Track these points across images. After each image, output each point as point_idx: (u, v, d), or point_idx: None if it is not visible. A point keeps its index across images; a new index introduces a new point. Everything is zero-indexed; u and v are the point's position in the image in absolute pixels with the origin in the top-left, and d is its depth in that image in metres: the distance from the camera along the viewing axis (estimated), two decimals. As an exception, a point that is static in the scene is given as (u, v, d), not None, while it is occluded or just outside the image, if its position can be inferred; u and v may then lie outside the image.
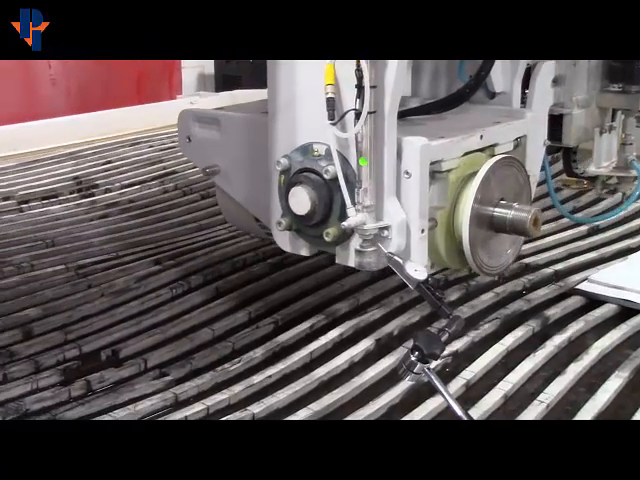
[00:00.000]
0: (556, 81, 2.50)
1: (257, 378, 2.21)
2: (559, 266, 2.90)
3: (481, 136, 2.19)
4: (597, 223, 3.26)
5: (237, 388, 2.17)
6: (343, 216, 1.98)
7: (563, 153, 2.70)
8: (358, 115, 1.91)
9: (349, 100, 1.92)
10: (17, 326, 2.47)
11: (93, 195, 3.73)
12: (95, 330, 2.48)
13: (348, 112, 1.92)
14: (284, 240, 2.19)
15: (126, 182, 3.90)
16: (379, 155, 1.97)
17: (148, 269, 2.87)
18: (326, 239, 2.02)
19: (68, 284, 2.76)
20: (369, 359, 2.34)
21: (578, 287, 2.72)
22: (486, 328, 2.47)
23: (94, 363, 2.32)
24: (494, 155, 2.21)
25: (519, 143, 2.33)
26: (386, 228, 2.01)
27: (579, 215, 3.39)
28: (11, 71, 4.42)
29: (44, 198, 3.66)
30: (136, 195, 3.72)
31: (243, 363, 2.30)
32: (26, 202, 3.60)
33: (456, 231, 2.12)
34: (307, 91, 2.02)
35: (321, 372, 2.25)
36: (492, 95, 2.44)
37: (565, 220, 3.34)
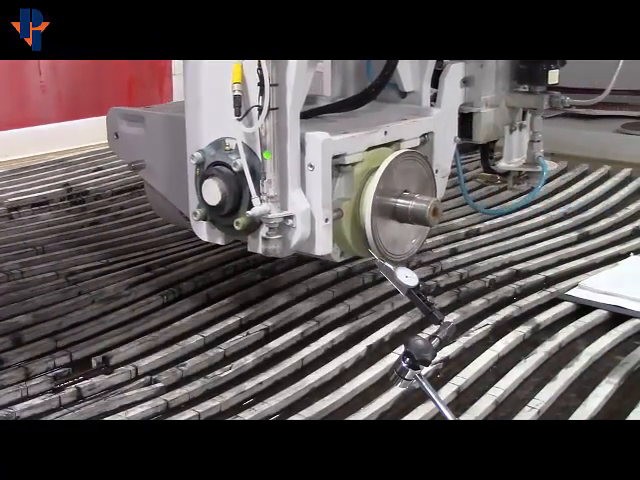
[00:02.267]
0: (466, 81, 2.65)
1: (248, 385, 2.21)
2: (549, 272, 2.91)
3: (385, 132, 2.33)
4: (508, 214, 3.39)
5: (228, 395, 2.16)
6: (252, 206, 2.12)
7: (480, 150, 2.85)
8: (261, 111, 2.05)
9: (254, 97, 2.07)
10: (7, 333, 2.46)
11: (83, 202, 3.72)
12: (85, 337, 2.47)
13: (252, 108, 2.08)
14: (201, 230, 2.33)
15: (117, 189, 3.89)
16: (283, 149, 2.12)
17: (139, 276, 2.87)
18: (236, 228, 2.16)
19: (58, 291, 2.76)
20: (360, 365, 2.34)
21: (568, 293, 2.73)
22: (477, 334, 2.48)
23: (85, 370, 2.31)
24: (399, 150, 2.34)
25: (426, 139, 2.47)
26: (290, 217, 2.16)
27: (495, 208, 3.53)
28: (1, 79, 4.41)
29: (34, 205, 3.65)
30: (126, 202, 3.72)
31: (234, 370, 2.29)
32: (16, 209, 3.58)
33: (360, 221, 2.27)
34: (218, 89, 2.15)
35: (312, 378, 2.25)
36: (403, 94, 2.59)
37: (556, 227, 3.37)
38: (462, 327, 2.50)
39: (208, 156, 2.21)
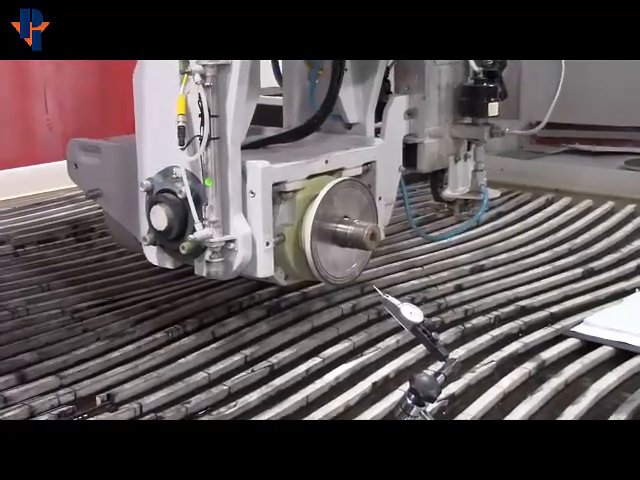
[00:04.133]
0: (410, 114, 2.78)
1: (253, 422, 2.20)
2: (555, 308, 2.91)
3: (326, 161, 2.47)
4: (448, 239, 3.46)
5: (233, 432, 2.15)
6: (195, 231, 2.24)
7: (430, 179, 2.97)
8: (202, 141, 2.17)
9: (197, 128, 2.20)
10: (12, 371, 2.46)
11: (89, 239, 3.73)
12: (90, 374, 2.46)
13: (193, 138, 2.21)
14: (151, 254, 2.46)
15: (122, 226, 3.90)
16: (224, 176, 2.24)
17: (143, 313, 2.87)
18: (182, 252, 2.25)
19: (63, 328, 2.76)
20: (365, 402, 2.33)
21: (574, 329, 2.72)
22: (482, 371, 2.47)
23: (89, 408, 2.30)
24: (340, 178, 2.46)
25: (369, 168, 2.59)
26: (232, 241, 2.27)
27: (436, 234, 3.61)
28: (9, 116, 4.45)
29: (40, 242, 3.66)
30: (132, 239, 3.72)
31: (239, 407, 2.28)
32: (22, 246, 3.59)
33: (302, 245, 2.37)
34: (165, 121, 2.25)
35: (317, 416, 2.24)
36: (349, 126, 2.72)
37: (560, 262, 3.37)
38: (467, 364, 2.49)
39: (156, 184, 2.34)
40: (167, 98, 2.24)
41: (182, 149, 2.20)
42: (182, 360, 2.54)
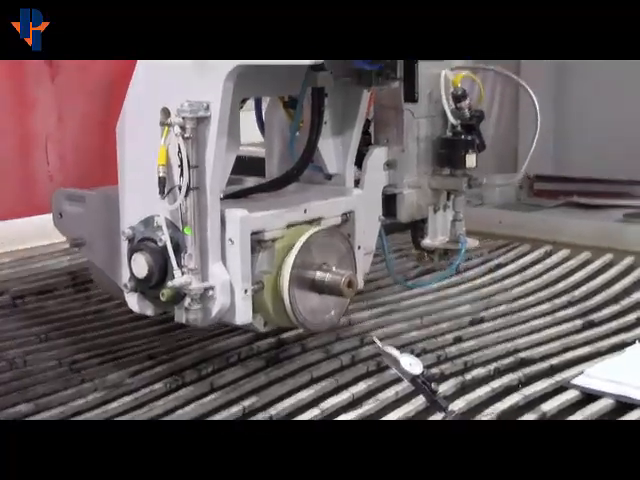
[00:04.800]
0: (390, 165, 2.85)
1: (251, 474, 2.18)
2: (554, 360, 2.89)
3: (305, 210, 2.53)
4: (427, 285, 3.54)
5: (231, 485, 2.13)
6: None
7: (411, 229, 3.02)
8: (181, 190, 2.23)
9: (177, 178, 2.27)
10: (8, 422, 2.44)
11: (88, 290, 3.72)
12: (87, 426, 2.45)
13: (173, 188, 2.27)
14: (132, 301, 2.50)
15: (121, 277, 3.90)
16: (203, 225, 2.30)
17: (142, 364, 2.85)
18: (162, 299, 2.30)
19: (61, 379, 2.74)
20: (365, 455, 2.31)
21: (574, 381, 2.70)
22: (482, 423, 2.45)
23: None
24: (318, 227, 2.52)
25: (348, 218, 2.66)
26: (211, 288, 2.32)
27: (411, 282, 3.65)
28: (9, 167, 4.47)
29: (39, 293, 3.66)
30: (131, 290, 3.72)
31: (237, 459, 2.26)
32: (21, 297, 3.59)
33: (280, 292, 2.41)
34: (147, 171, 2.31)
35: (316, 468, 2.21)
36: (329, 177, 2.78)
37: (560, 314, 3.36)
38: (467, 415, 2.47)
39: (138, 232, 2.40)
40: (148, 149, 2.30)
41: (162, 198, 2.27)
42: (180, 411, 2.53)
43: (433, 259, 3.06)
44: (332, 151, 2.76)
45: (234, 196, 2.56)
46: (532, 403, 2.58)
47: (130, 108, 2.43)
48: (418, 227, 3.00)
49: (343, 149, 2.78)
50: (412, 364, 2.03)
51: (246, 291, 2.38)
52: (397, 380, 2.57)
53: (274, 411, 2.52)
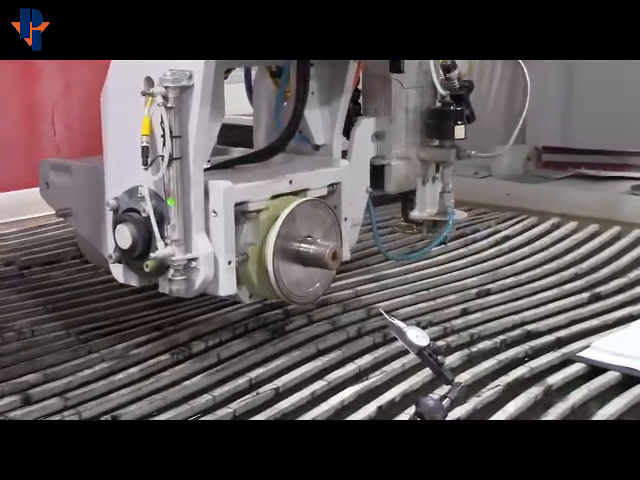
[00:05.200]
0: (378, 136, 2.84)
1: (257, 445, 2.19)
2: (561, 333, 2.89)
3: (290, 181, 2.50)
4: (414, 260, 3.51)
5: (237, 455, 2.14)
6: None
7: (401, 200, 3.01)
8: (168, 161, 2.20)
9: (160, 148, 2.23)
10: (16, 392, 2.45)
11: (95, 261, 3.73)
12: (95, 396, 2.46)
13: (156, 158, 2.23)
14: (118, 272, 2.48)
15: (128, 248, 3.90)
16: (186, 196, 2.27)
17: (149, 335, 2.86)
18: (146, 270, 2.29)
19: (69, 350, 2.75)
20: (371, 426, 2.31)
21: (580, 354, 2.70)
22: (488, 395, 2.45)
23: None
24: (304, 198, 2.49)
25: (334, 189, 2.62)
26: (194, 259, 2.29)
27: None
28: (16, 137, 4.47)
29: (46, 263, 3.67)
30: (138, 261, 3.72)
31: (243, 430, 2.27)
32: (28, 267, 3.60)
33: (264, 264, 2.38)
34: (131, 141, 2.27)
35: (322, 439, 2.22)
36: (316, 147, 2.75)
37: (567, 287, 3.36)
38: (473, 388, 2.47)
39: (122, 203, 2.36)
40: (132, 119, 2.26)
41: (145, 169, 2.24)
42: (187, 382, 2.54)
43: (421, 231, 3.05)
44: (319, 122, 2.73)
45: (220, 167, 2.53)
46: (538, 376, 2.59)
47: (114, 77, 2.38)
48: (408, 199, 2.99)
49: (331, 120, 2.74)
50: (418, 336, 2.02)
51: (230, 262, 2.34)
52: (403, 352, 2.58)
53: (280, 382, 2.53)
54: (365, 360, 2.68)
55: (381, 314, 2.36)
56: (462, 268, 3.57)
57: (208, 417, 2.34)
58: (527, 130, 4.95)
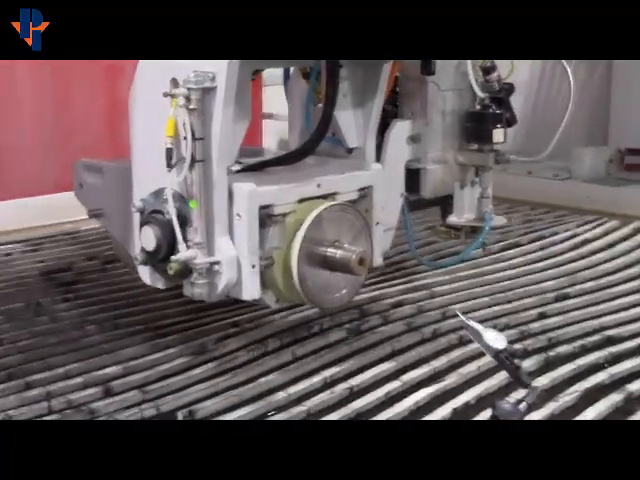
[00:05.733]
0: (414, 139, 2.77)
1: (331, 444, 2.20)
2: (643, 339, 2.83)
3: (318, 185, 2.45)
4: (449, 266, 3.41)
5: (311, 453, 2.15)
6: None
7: (441, 206, 2.94)
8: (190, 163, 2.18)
9: (184, 150, 2.20)
10: (98, 384, 2.52)
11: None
12: (172, 390, 2.50)
13: (179, 160, 2.20)
14: (145, 274, 2.47)
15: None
16: (209, 198, 2.25)
17: (226, 331, 2.90)
18: (170, 272, 2.26)
19: (147, 344, 2.81)
20: (445, 428, 2.30)
21: (663, 361, 2.64)
22: (566, 401, 2.41)
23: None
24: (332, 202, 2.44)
25: (365, 193, 2.58)
26: (217, 263, 2.27)
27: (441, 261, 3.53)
28: (50, 142, 4.48)
29: (127, 259, 3.73)
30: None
31: (318, 428, 2.28)
32: (110, 262, 3.68)
33: (290, 268, 2.34)
34: (158, 142, 2.25)
35: (396, 440, 2.22)
36: (350, 150, 2.68)
37: (649, 292, 3.28)
38: (550, 393, 2.44)
39: (148, 204, 2.36)
40: (158, 120, 2.24)
41: (169, 171, 2.22)
42: (262, 379, 2.56)
43: (459, 236, 2.97)
44: (352, 124, 2.67)
45: (249, 169, 2.48)
46: (618, 382, 2.54)
47: (141, 79, 2.38)
48: (447, 203, 2.92)
49: (364, 122, 2.67)
50: (496, 339, 2.00)
51: (253, 266, 2.31)
52: (479, 355, 2.55)
53: (355, 382, 2.53)
54: (440, 362, 2.66)
55: (457, 316, 2.34)
56: (540, 271, 3.52)
57: (282, 415, 2.36)
58: (610, 132, 4.85)
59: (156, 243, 2.31)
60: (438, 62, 2.69)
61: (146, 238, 2.34)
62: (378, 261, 2.67)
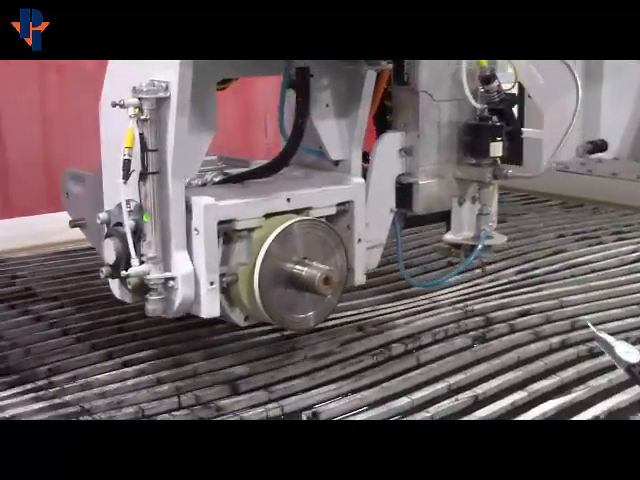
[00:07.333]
0: (407, 151, 2.56)
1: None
2: None
3: (288, 199, 2.33)
4: (435, 285, 3.25)
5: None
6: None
7: (446, 222, 2.73)
8: (142, 175, 2.10)
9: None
10: (225, 382, 2.57)
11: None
12: (296, 391, 2.54)
13: (132, 172, 2.12)
14: (115, 287, 2.38)
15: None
16: (165, 212, 2.17)
17: (351, 335, 2.92)
18: (128, 287, 2.19)
19: (273, 345, 2.85)
20: (572, 442, 2.24)
21: None
22: (702, 419, 2.32)
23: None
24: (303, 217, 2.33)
25: (346, 209, 2.46)
26: (172, 279, 2.19)
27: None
28: (233, 137, 4.62)
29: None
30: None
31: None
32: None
33: (252, 285, 2.26)
34: (121, 154, 2.16)
35: (521, 451, 2.18)
36: (336, 163, 2.54)
37: None
38: (685, 411, 2.35)
39: (113, 216, 2.28)
40: (121, 130, 2.17)
41: (124, 182, 2.13)
42: (386, 384, 2.56)
43: (459, 255, 2.76)
44: (336, 136, 2.53)
45: (228, 181, 2.41)
46: None
47: (106, 88, 2.31)
48: (450, 219, 2.72)
49: (348, 133, 2.53)
50: (628, 352, 1.93)
51: (212, 283, 2.23)
52: (610, 368, 2.48)
53: (480, 390, 2.50)
54: (568, 373, 2.60)
55: (587, 327, 2.28)
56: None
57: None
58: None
59: (116, 256, 2.22)
60: (432, 71, 2.52)
61: (108, 251, 2.24)
62: (360, 279, 2.54)
